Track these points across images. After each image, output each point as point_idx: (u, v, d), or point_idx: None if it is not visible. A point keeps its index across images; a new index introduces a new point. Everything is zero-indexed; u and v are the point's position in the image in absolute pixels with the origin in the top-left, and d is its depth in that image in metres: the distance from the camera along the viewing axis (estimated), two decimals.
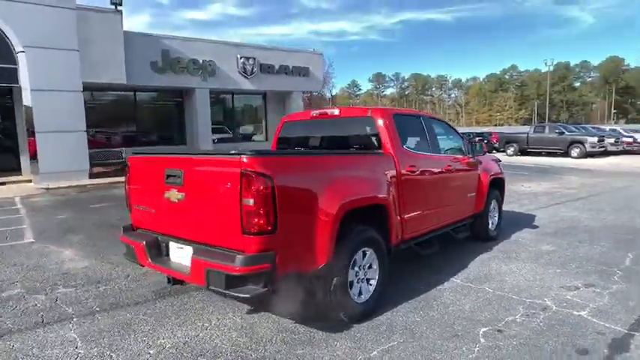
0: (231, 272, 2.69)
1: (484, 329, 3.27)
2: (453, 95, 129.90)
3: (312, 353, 2.92)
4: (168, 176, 3.17)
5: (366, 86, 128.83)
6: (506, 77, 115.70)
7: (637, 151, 24.33)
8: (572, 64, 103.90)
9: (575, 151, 22.05)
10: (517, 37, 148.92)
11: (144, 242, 3.35)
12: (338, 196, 3.12)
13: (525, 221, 7.05)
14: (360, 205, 3.36)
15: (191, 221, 3.09)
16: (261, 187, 2.65)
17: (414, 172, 4.12)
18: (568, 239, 5.91)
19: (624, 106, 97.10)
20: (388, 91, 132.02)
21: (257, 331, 3.25)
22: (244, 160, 2.69)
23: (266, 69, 18.25)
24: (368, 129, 4.16)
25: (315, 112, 4.61)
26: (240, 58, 17.45)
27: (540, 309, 3.62)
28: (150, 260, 3.34)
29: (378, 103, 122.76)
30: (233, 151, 2.78)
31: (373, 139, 4.08)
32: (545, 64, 66.43)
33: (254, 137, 20.50)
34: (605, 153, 22.53)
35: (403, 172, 3.96)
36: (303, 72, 19.64)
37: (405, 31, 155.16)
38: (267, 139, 20.05)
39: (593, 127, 28.22)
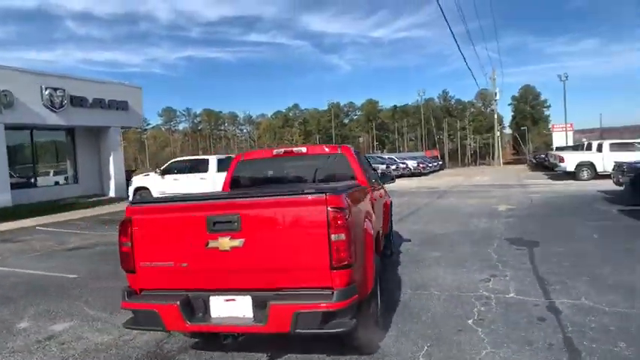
0: (330, 309, 2.72)
1: (470, 321, 4.06)
2: (245, 130, 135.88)
3: None
4: (216, 223, 2.91)
5: (155, 120, 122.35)
6: (291, 114, 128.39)
7: (407, 174, 30.93)
8: (342, 103, 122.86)
9: None
10: (296, 78, 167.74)
11: (177, 303, 2.91)
12: (374, 223, 3.46)
13: (394, 236, 8.45)
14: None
15: (251, 268, 2.91)
16: (346, 222, 2.80)
17: (375, 199, 4.72)
18: (442, 246, 7.44)
19: (382, 138, 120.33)
20: (180, 126, 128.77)
21: None
22: (328, 197, 2.80)
23: (78, 102, 16.01)
24: (341, 163, 4.57)
25: (278, 151, 4.73)
26: (46, 88, 14.85)
27: (485, 298, 4.66)
28: (188, 322, 2.92)
29: (170, 139, 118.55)
30: (309, 190, 2.84)
31: (347, 172, 4.51)
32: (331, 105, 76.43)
33: (58, 179, 17.42)
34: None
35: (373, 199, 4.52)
36: (121, 106, 17.95)
37: (190, 67, 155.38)
38: (77, 181, 17.31)
39: (382, 157, 34.51)
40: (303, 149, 4.77)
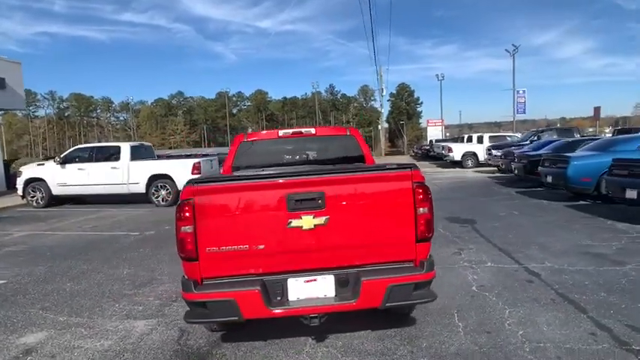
0: (422, 280, 2.80)
1: (473, 287, 4.47)
2: (121, 118, 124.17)
3: None
4: (299, 201, 2.75)
5: None
6: (174, 102, 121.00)
7: None
8: (230, 93, 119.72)
9: None
10: (179, 64, 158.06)
11: (258, 288, 2.70)
12: None
13: None
14: None
15: (335, 246, 2.82)
16: (429, 196, 2.90)
17: None
18: None
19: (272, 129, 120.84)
20: (41, 112, 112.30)
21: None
22: (413, 172, 2.85)
23: None
24: (351, 145, 4.59)
25: (286, 132, 4.55)
26: None
27: (471, 269, 5.15)
28: (269, 308, 2.73)
29: (29, 125, 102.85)
30: (393, 165, 2.86)
31: (357, 153, 4.55)
32: (231, 94, 73.55)
33: None
34: None
35: None
36: None
37: (53, 44, 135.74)
38: None
39: None
40: (312, 130, 4.66)
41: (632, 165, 7.24)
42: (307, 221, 2.77)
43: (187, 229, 2.76)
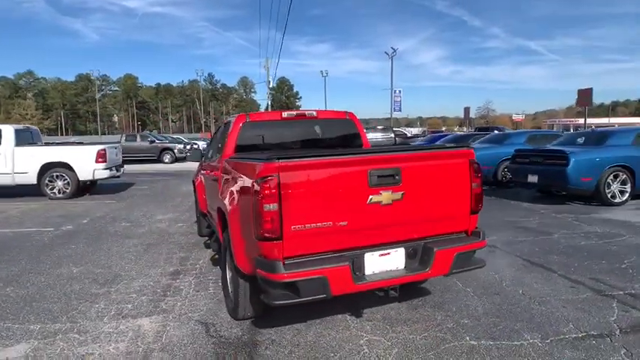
0: (481, 247, 3.10)
1: None
2: None
3: None
4: (379, 176, 2.81)
5: None
6: (23, 83, 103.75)
7: None
8: (94, 75, 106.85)
9: (167, 157, 24.93)
10: (29, 40, 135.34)
11: (349, 264, 2.71)
12: None
13: None
14: None
15: (407, 220, 2.95)
16: (480, 173, 3.21)
17: None
18: None
19: (143, 118, 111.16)
20: None
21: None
22: (470, 150, 3.13)
23: None
24: (351, 128, 4.68)
25: (290, 114, 4.43)
26: None
27: None
28: (356, 283, 2.76)
29: None
30: (452, 145, 3.10)
31: (356, 137, 4.67)
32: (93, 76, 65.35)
33: None
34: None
35: None
36: None
37: None
38: None
39: (172, 137, 32.36)
40: (314, 113, 4.61)
41: (533, 154, 8.71)
42: (386, 197, 2.85)
43: (272, 207, 2.60)
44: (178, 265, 5.13)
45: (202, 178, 5.71)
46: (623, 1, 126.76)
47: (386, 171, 2.85)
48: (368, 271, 2.90)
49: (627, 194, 7.89)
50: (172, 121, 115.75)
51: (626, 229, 6.21)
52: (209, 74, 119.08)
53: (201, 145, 32.30)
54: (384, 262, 2.93)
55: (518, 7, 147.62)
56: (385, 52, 41.21)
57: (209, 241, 5.46)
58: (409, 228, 3.00)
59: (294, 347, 3.06)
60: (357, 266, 2.85)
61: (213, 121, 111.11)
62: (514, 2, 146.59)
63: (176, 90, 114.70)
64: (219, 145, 4.74)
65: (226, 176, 3.60)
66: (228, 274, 3.59)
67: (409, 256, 3.01)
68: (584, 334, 3.10)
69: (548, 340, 3.02)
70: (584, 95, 17.74)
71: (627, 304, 3.58)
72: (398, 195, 2.89)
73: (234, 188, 3.18)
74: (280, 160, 2.63)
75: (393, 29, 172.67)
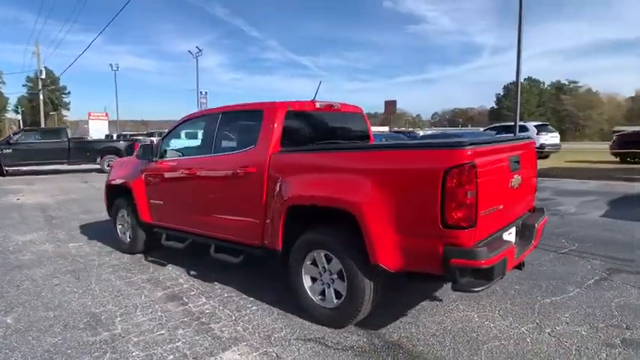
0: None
1: None
2: None
3: None
4: (514, 162, 3.11)
5: None
6: None
7: None
8: None
9: None
10: None
11: (515, 244, 2.94)
12: None
13: None
14: None
15: (519, 201, 3.33)
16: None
17: None
18: None
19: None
20: None
21: None
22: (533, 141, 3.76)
23: None
24: (361, 122, 4.65)
25: (321, 103, 4.10)
26: None
27: None
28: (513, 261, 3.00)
29: None
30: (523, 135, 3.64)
31: (365, 131, 4.70)
32: None
33: None
34: None
35: None
36: None
37: None
38: None
39: None
40: (338, 104, 4.33)
41: None
42: (517, 180, 3.17)
43: (471, 194, 2.58)
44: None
45: (168, 181, 4.70)
46: (372, 31, 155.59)
47: (516, 157, 3.19)
48: None
49: None
50: None
51: None
52: None
53: None
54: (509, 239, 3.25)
55: (290, 24, 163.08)
56: (189, 52, 39.49)
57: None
58: (517, 208, 3.40)
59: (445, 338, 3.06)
60: None
61: None
62: (285, 19, 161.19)
63: None
64: (242, 137, 4.10)
65: (338, 169, 3.20)
66: (353, 278, 3.09)
67: (517, 234, 3.39)
68: None
69: None
70: (390, 105, 21.56)
71: None
72: (519, 179, 3.25)
73: (376, 179, 2.90)
74: (473, 146, 2.63)
75: (174, 28, 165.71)
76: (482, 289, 2.73)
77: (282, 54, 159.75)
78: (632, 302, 3.59)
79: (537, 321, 3.29)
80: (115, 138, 34.08)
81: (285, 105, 3.82)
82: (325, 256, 3.26)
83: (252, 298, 3.87)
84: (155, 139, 25.34)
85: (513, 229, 3.34)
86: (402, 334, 3.13)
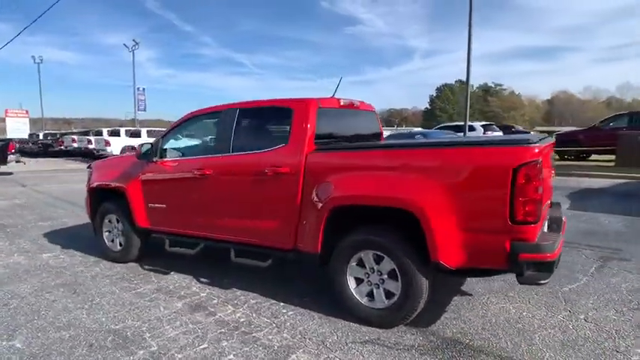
0: None
1: None
2: None
3: None
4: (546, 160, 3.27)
5: None
6: None
7: None
8: None
9: None
10: None
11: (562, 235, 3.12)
12: None
13: None
14: None
15: (549, 195, 3.51)
16: None
17: None
18: None
19: None
20: None
21: None
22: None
23: None
24: (375, 121, 4.64)
25: (345, 101, 4.02)
26: None
27: None
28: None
29: None
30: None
31: (378, 130, 4.69)
32: None
33: None
34: None
35: None
36: None
37: None
38: None
39: None
40: (357, 102, 4.25)
41: None
42: (546, 173, 3.32)
43: (540, 190, 2.69)
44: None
45: (172, 182, 4.39)
46: (309, 30, 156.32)
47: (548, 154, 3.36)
48: None
49: None
50: None
51: None
52: None
53: None
54: None
55: (225, 20, 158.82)
56: (124, 45, 37.09)
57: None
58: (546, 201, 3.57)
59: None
60: None
61: None
62: (220, 14, 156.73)
63: None
64: (265, 135, 3.99)
65: (394, 167, 3.14)
66: (409, 277, 3.06)
67: (548, 226, 3.56)
68: None
69: None
70: None
71: None
72: (548, 174, 3.43)
73: (439, 177, 2.90)
74: (538, 144, 2.73)
75: (97, 20, 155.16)
76: (547, 282, 2.83)
77: (217, 51, 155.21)
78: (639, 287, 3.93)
79: (568, 309, 3.49)
80: (41, 138, 31.31)
81: (316, 102, 3.71)
82: (374, 256, 3.21)
83: (282, 303, 3.72)
84: (93, 139, 23.67)
85: (546, 222, 3.51)
86: (454, 330, 3.17)
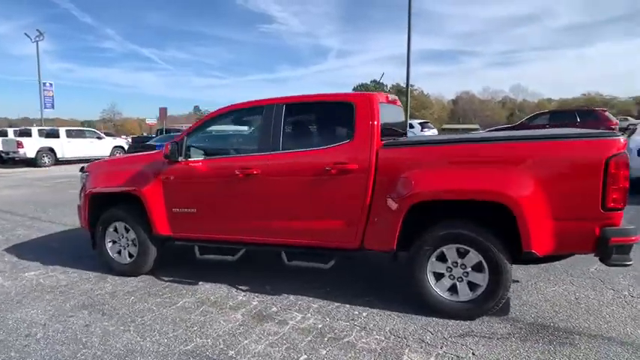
0: None
1: None
2: None
3: None
4: None
5: None
6: None
7: None
8: None
9: None
10: None
11: None
12: None
13: None
14: None
15: None
16: None
17: None
18: None
19: None
20: None
21: None
22: None
23: None
24: (402, 115, 4.65)
25: (391, 97, 3.97)
26: None
27: None
28: None
29: None
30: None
31: (404, 124, 4.72)
32: None
33: None
34: None
35: None
36: None
37: None
38: None
39: None
40: (396, 98, 4.18)
41: None
42: None
43: (627, 178, 2.89)
44: None
45: (202, 183, 4.03)
46: (222, 27, 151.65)
47: None
48: None
49: None
50: None
51: None
52: None
53: None
54: None
55: (129, 12, 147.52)
56: (26, 34, 32.87)
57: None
58: None
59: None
60: None
61: None
62: (124, 6, 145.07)
63: None
64: (325, 130, 3.84)
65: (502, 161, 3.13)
66: (498, 268, 3.12)
67: None
68: None
69: None
70: (163, 112, 25.35)
71: None
72: None
73: (532, 170, 2.98)
74: (614, 137, 2.95)
75: None
76: (631, 263, 3.07)
77: (122, 45, 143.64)
78: None
79: (610, 287, 3.83)
80: None
81: (377, 96, 3.64)
82: (457, 249, 3.23)
83: (348, 305, 3.59)
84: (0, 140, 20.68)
85: None
86: (533, 316, 3.31)
